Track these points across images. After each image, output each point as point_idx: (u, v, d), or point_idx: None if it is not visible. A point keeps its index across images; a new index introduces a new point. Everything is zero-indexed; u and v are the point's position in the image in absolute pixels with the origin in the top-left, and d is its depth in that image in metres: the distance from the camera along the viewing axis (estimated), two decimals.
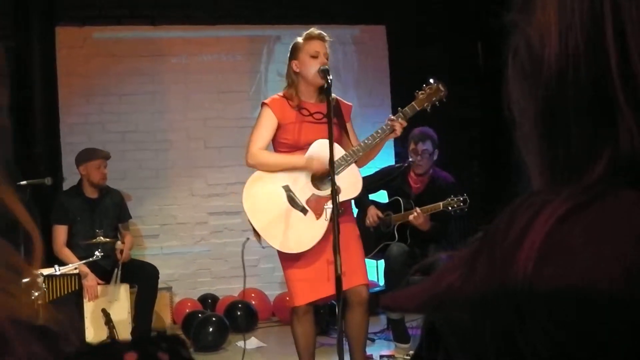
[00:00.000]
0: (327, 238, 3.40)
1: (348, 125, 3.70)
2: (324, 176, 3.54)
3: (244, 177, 6.12)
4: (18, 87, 5.68)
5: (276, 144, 3.68)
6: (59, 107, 6.10)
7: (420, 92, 3.68)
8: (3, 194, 0.56)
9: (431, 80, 3.70)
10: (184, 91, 6.41)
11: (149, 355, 0.57)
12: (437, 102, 3.68)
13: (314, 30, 3.62)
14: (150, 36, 6.36)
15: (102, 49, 6.24)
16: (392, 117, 3.60)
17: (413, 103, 3.65)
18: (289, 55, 3.65)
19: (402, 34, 6.67)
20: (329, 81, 3.39)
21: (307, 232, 3.52)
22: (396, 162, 5.75)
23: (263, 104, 3.66)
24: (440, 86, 3.67)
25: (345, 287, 3.39)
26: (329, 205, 3.35)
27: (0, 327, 0.49)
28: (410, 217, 4.78)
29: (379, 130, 3.58)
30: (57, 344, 0.54)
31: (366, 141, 3.57)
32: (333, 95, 3.57)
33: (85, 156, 5.24)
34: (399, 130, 3.57)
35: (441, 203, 4.69)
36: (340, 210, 3.23)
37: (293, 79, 3.61)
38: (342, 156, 3.51)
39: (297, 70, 3.58)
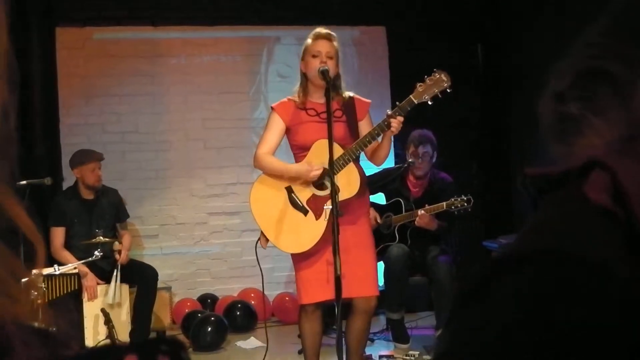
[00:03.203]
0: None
1: (361, 123, 3.64)
2: (323, 176, 3.55)
3: (243, 178, 6.20)
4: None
5: (290, 146, 3.73)
6: (59, 107, 6.11)
7: (419, 84, 3.47)
8: (3, 200, 0.55)
9: (434, 71, 3.49)
10: (183, 92, 6.41)
11: (149, 358, 0.58)
12: (439, 94, 3.45)
13: (321, 29, 3.60)
14: (150, 37, 6.36)
15: (102, 50, 6.24)
16: (389, 112, 3.47)
17: (410, 96, 3.46)
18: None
19: (402, 35, 6.67)
20: (329, 82, 3.39)
21: (306, 232, 3.54)
22: (396, 163, 5.74)
23: (271, 107, 3.69)
24: (442, 76, 3.45)
25: (356, 294, 3.45)
26: (328, 206, 3.35)
27: (5, 331, 0.50)
28: (417, 221, 4.78)
29: (377, 128, 3.48)
30: (58, 347, 0.54)
31: (364, 139, 3.50)
32: (350, 93, 3.64)
33: (79, 159, 5.23)
34: (395, 127, 3.43)
35: (444, 203, 4.68)
36: (340, 212, 3.22)
37: (302, 80, 3.64)
38: (340, 156, 3.47)
39: (304, 71, 3.61)
